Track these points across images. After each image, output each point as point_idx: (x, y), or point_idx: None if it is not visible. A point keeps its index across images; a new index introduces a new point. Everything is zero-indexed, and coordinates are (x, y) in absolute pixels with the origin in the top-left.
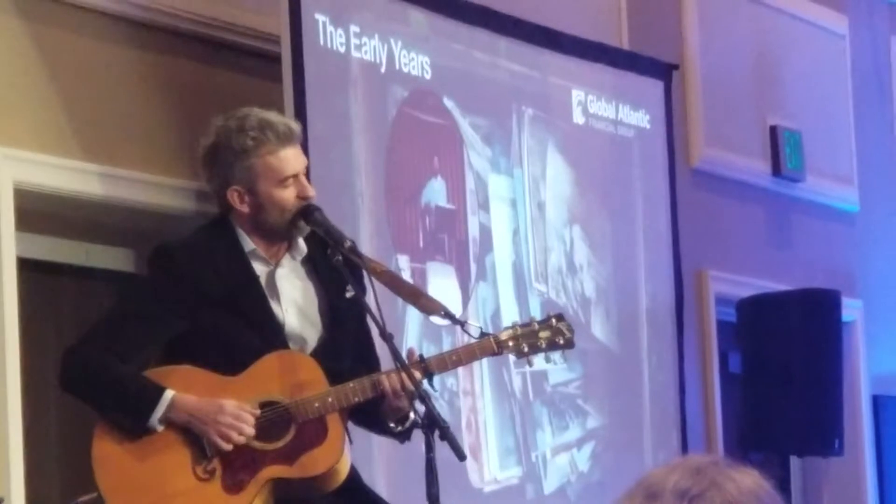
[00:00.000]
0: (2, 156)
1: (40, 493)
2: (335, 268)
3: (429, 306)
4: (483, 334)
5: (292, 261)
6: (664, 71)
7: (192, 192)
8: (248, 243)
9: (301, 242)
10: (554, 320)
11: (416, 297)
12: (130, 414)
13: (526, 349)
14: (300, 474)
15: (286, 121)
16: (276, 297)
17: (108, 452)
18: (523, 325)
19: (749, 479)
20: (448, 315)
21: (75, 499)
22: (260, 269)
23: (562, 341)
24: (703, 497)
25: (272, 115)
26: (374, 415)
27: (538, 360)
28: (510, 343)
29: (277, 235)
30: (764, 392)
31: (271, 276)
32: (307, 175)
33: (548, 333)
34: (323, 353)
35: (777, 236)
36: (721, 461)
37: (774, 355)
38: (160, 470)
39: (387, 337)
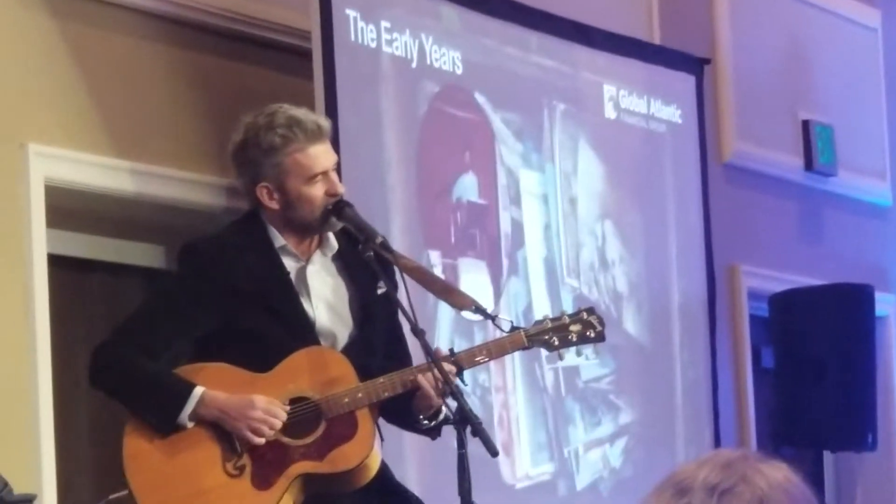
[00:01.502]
0: (33, 152)
1: (71, 490)
2: (366, 264)
3: (460, 301)
4: (514, 328)
5: (323, 257)
6: (696, 65)
7: (223, 188)
8: (279, 239)
9: (332, 238)
10: (585, 314)
11: (448, 292)
12: (160, 411)
13: (556, 343)
14: (330, 470)
15: (315, 118)
16: (307, 293)
17: (138, 450)
18: (554, 319)
19: (779, 472)
20: (479, 310)
21: (106, 496)
22: (290, 265)
23: (592, 335)
24: (733, 492)
25: (301, 112)
26: (405, 410)
27: (569, 355)
28: (540, 337)
29: (308, 232)
30: (797, 387)
31: (302, 272)
32: (338, 171)
33: (578, 327)
34: (353, 350)
35: (809, 231)
36: (751, 455)
37: (807, 350)
38: (190, 466)
39: (419, 332)
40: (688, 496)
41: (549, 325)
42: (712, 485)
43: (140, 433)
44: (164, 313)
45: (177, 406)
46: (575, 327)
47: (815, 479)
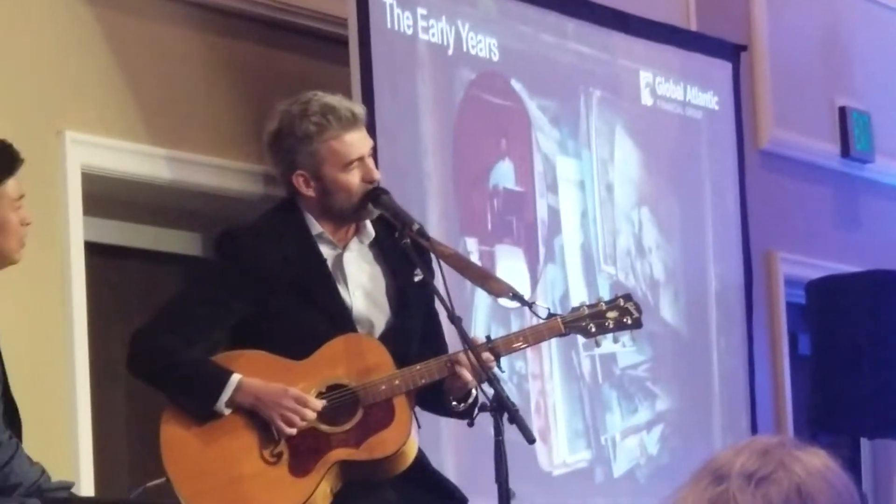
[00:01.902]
0: (69, 140)
1: (109, 477)
2: (403, 251)
3: (497, 288)
4: (550, 315)
5: (360, 244)
6: (732, 52)
7: (260, 175)
8: (316, 226)
9: (369, 226)
10: (622, 300)
11: (485, 279)
12: (197, 398)
13: (593, 329)
14: (367, 457)
15: (349, 105)
16: (344, 280)
17: (175, 437)
18: (590, 306)
19: (817, 459)
20: (516, 296)
21: (144, 483)
22: (327, 252)
23: (629, 321)
24: (771, 479)
25: (335, 100)
26: (439, 395)
27: (606, 342)
28: (577, 323)
29: (345, 219)
30: (834, 374)
31: (339, 260)
32: (374, 158)
33: (615, 314)
34: (390, 337)
35: (846, 217)
36: (788, 442)
37: (844, 337)
38: (228, 454)
39: (455, 320)
40: (725, 483)
41: (586, 311)
42: (750, 472)
43: (177, 421)
44: (202, 301)
45: (214, 393)
46: (612, 314)
47: (853, 465)
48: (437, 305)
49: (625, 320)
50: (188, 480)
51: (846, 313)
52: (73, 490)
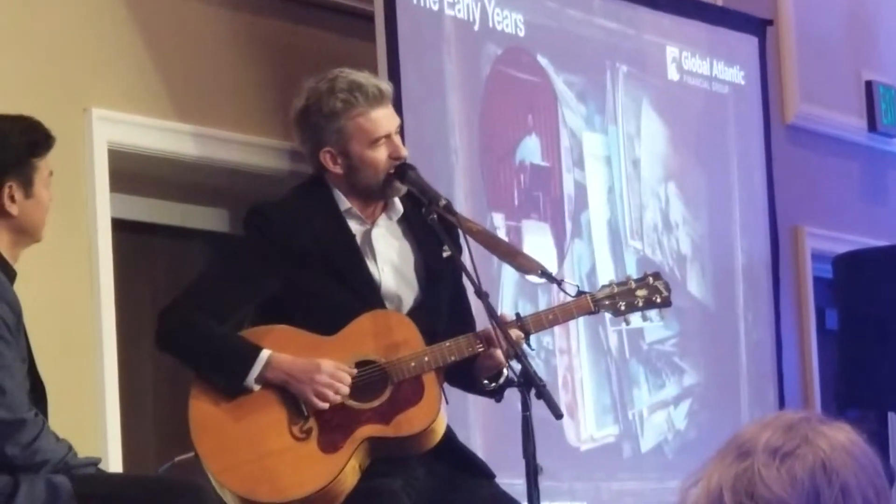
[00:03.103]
0: (96, 117)
1: (136, 453)
2: (431, 227)
3: (526, 265)
4: (580, 293)
5: (388, 220)
6: (758, 26)
7: (286, 151)
8: (344, 202)
9: (397, 202)
10: (651, 279)
11: (513, 255)
12: (227, 373)
13: (623, 307)
14: (396, 434)
15: (376, 81)
16: (373, 256)
17: (204, 413)
18: (620, 284)
19: (842, 434)
20: (545, 274)
21: (172, 459)
22: (356, 228)
23: (658, 300)
24: (796, 454)
25: (362, 77)
26: (468, 373)
27: (635, 319)
28: (606, 301)
29: (372, 195)
30: (861, 348)
31: (367, 236)
32: (401, 135)
33: (645, 292)
34: (419, 313)
35: (873, 192)
36: (813, 417)
37: (871, 311)
38: (257, 430)
39: (482, 295)
40: (750, 458)
41: (616, 289)
42: (775, 447)
43: (206, 396)
44: (231, 276)
45: (243, 369)
46: (641, 292)
47: (880, 440)
48: (465, 282)
49: (654, 298)
50: (216, 456)
51: (873, 288)
52: (101, 466)
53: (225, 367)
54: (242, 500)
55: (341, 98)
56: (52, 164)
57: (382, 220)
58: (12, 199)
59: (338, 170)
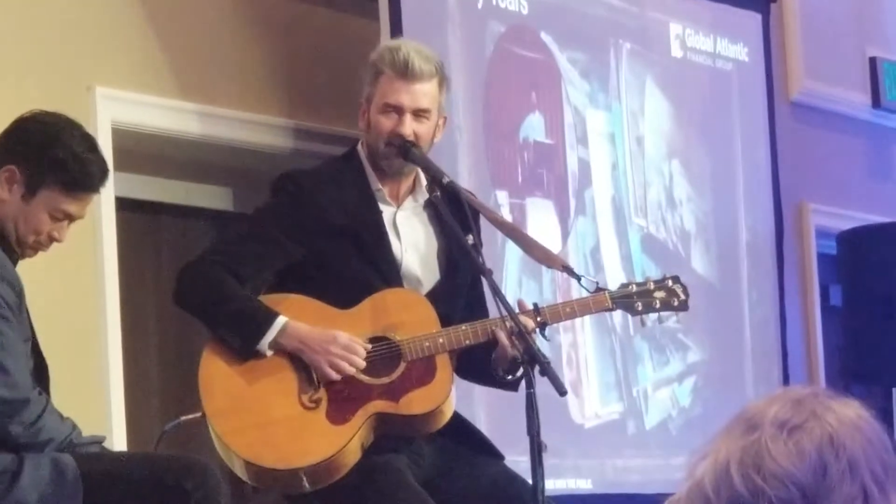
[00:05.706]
0: (100, 96)
1: (140, 431)
2: (455, 213)
3: (548, 260)
4: (598, 289)
5: (414, 203)
6: (762, 3)
7: (290, 129)
8: (375, 182)
9: (423, 187)
10: (670, 281)
11: (531, 247)
12: (242, 334)
13: (640, 307)
14: (404, 412)
15: (419, 60)
16: (397, 236)
17: (215, 373)
18: (639, 284)
19: (850, 409)
20: (567, 269)
21: (178, 418)
22: (383, 207)
23: (676, 303)
24: (803, 428)
25: (409, 49)
26: (483, 362)
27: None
28: (625, 300)
29: (377, 166)
30: (865, 324)
31: (393, 217)
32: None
33: (663, 294)
34: (437, 298)
35: (877, 168)
36: (821, 392)
37: (875, 287)
38: (266, 394)
39: (485, 272)
40: (758, 431)
41: (634, 289)
42: (782, 421)
43: (218, 357)
44: (255, 238)
45: (258, 332)
46: (659, 294)
47: (885, 415)
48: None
49: (672, 301)
50: (223, 416)
51: (878, 264)
52: (105, 444)
53: (240, 328)
54: (247, 463)
55: (387, 60)
56: None
57: (408, 203)
58: (10, 185)
59: (363, 125)
